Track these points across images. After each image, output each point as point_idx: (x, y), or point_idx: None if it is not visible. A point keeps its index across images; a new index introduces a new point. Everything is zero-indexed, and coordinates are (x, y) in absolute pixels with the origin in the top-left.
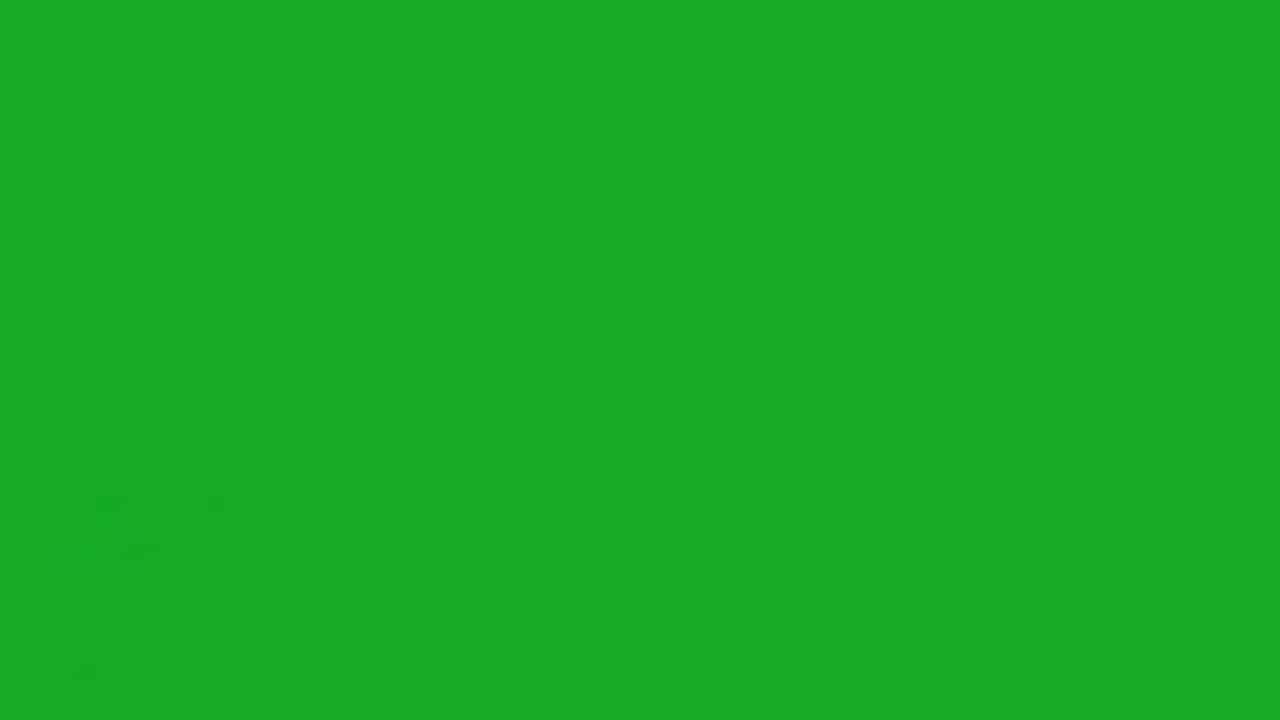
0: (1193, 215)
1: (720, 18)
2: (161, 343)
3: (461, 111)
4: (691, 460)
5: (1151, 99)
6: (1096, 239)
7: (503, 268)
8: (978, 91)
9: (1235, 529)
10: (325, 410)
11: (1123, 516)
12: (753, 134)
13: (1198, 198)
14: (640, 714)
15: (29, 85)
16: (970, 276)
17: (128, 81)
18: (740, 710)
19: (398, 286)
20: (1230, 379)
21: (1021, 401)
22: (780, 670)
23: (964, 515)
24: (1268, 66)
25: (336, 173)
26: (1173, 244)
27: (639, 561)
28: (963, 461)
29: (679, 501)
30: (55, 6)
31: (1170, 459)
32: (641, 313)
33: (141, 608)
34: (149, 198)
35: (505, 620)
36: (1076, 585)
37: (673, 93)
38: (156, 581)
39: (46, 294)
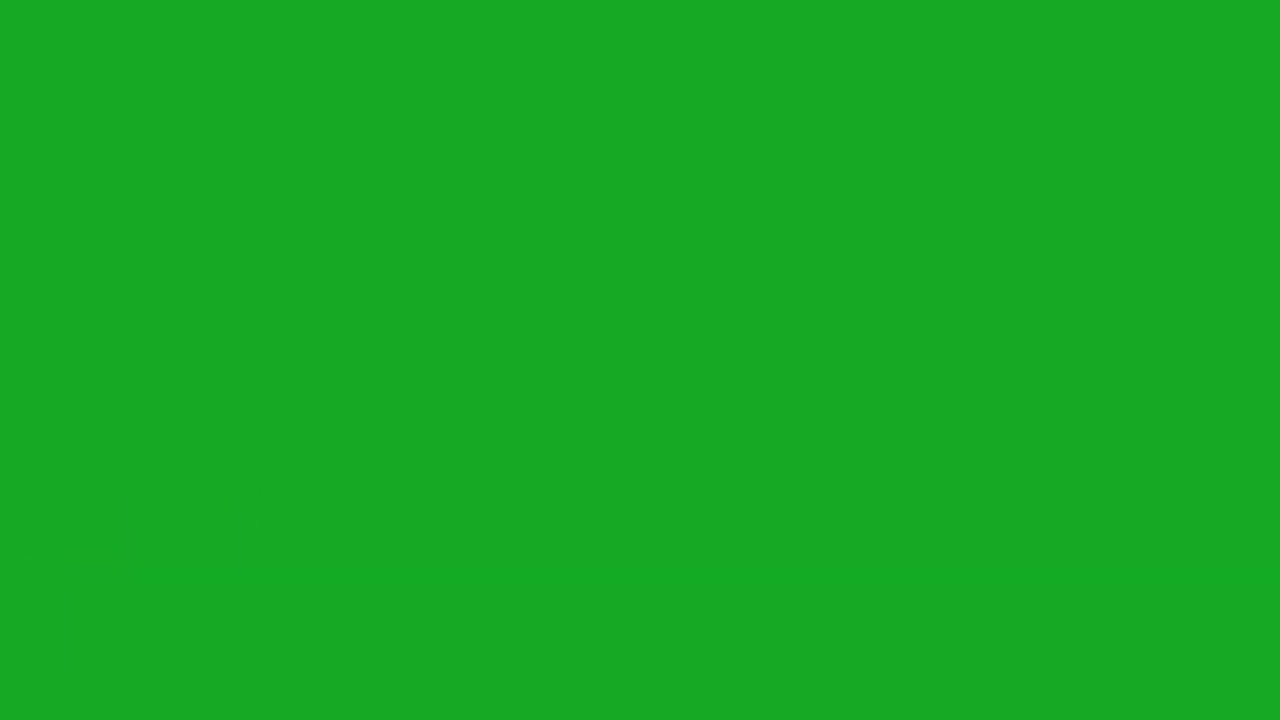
0: (1193, 215)
1: (720, 18)
2: (163, 345)
3: (461, 111)
4: (693, 461)
5: (1151, 99)
6: (1097, 240)
7: (503, 269)
8: (978, 92)
9: (1235, 529)
10: (329, 412)
11: (1122, 516)
12: (753, 134)
13: (1198, 198)
14: (638, 715)
15: (29, 85)
16: (970, 277)
17: (128, 81)
18: (740, 708)
19: (400, 288)
20: (1231, 379)
21: (1021, 401)
22: (781, 671)
23: (964, 516)
24: (1268, 66)
25: (336, 173)
26: (1173, 245)
27: (640, 562)
28: (963, 462)
29: (680, 501)
30: (55, 6)
31: (1171, 460)
32: (642, 313)
33: (146, 612)
34: (149, 202)
35: (508, 621)
36: (1077, 585)
37: (673, 93)
38: (160, 586)
39: (49, 296)
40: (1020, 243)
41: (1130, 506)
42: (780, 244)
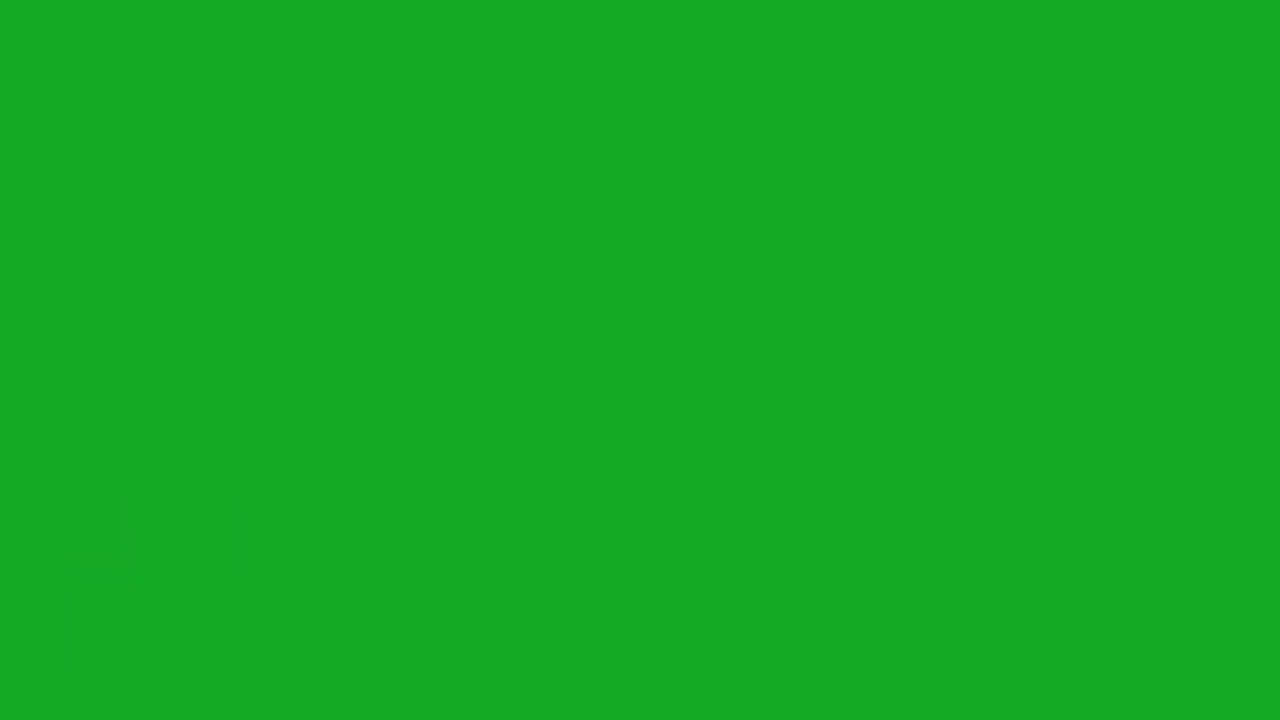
0: (1193, 216)
1: (720, 18)
2: (163, 345)
3: (461, 111)
4: (693, 460)
5: (1151, 99)
6: (1097, 240)
7: (503, 269)
8: (978, 91)
9: (1235, 529)
10: (329, 412)
11: (1123, 516)
12: (753, 134)
13: (1198, 198)
14: (640, 715)
15: (29, 85)
16: (971, 276)
17: (128, 82)
18: (740, 708)
19: (400, 288)
20: (1231, 379)
21: (1022, 401)
22: (781, 671)
23: (964, 516)
24: (1268, 66)
25: (336, 173)
26: (1173, 245)
27: (640, 562)
28: (963, 462)
29: (680, 501)
30: (55, 6)
31: (1171, 460)
32: (642, 313)
33: (146, 612)
34: (149, 202)
35: (508, 621)
36: (1077, 585)
37: (673, 93)
38: (160, 586)
39: (50, 298)
40: (1020, 243)
41: (1130, 506)
42: (780, 244)
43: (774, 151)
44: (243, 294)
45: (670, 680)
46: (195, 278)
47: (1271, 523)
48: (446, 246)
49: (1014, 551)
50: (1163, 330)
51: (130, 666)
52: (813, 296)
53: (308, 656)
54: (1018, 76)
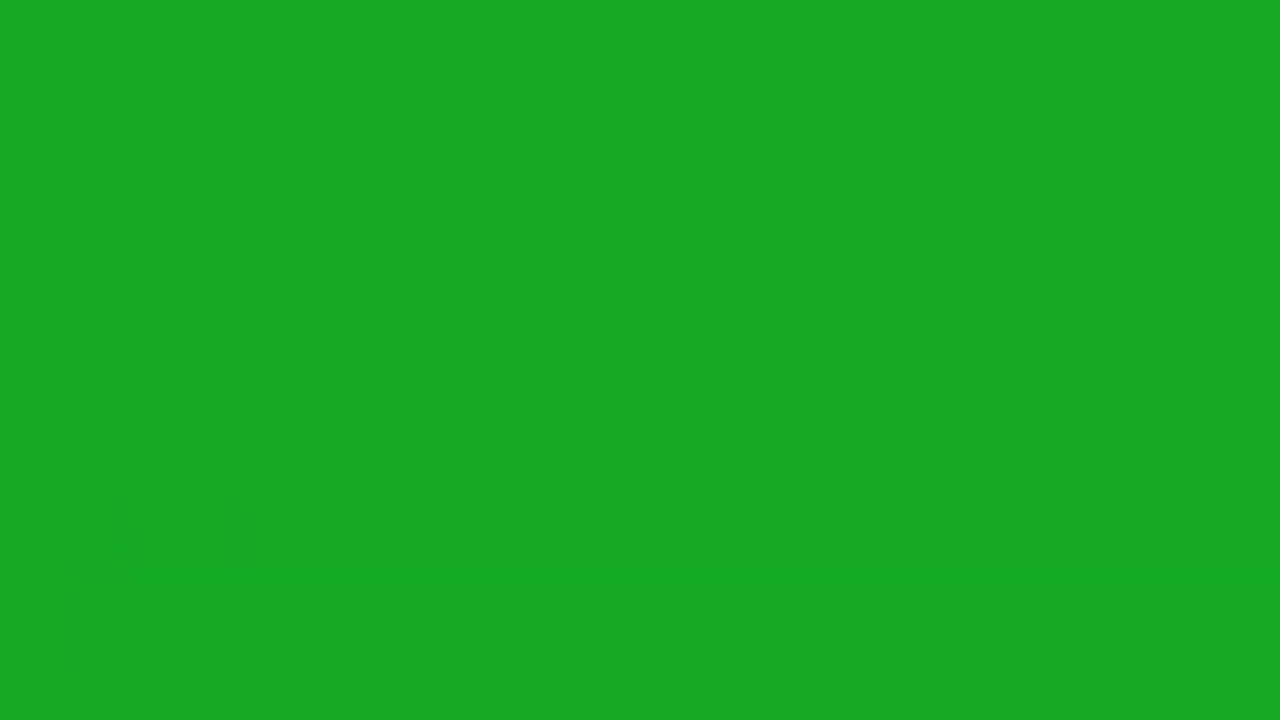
0: (1193, 216)
1: (720, 18)
2: (163, 345)
3: (461, 111)
4: (693, 460)
5: (1151, 99)
6: (1097, 240)
7: (503, 269)
8: (978, 91)
9: (1235, 529)
10: (329, 412)
11: (1123, 516)
12: (753, 134)
13: (1198, 198)
14: (638, 715)
15: (29, 85)
16: (971, 277)
17: (128, 82)
18: (740, 708)
19: (400, 288)
20: (1231, 379)
21: (1022, 402)
22: (781, 671)
23: (964, 516)
24: (1268, 66)
25: (336, 173)
26: (1173, 245)
27: (640, 562)
28: (963, 462)
29: (680, 501)
30: (55, 6)
31: (1171, 460)
32: (642, 313)
33: (146, 612)
34: (149, 202)
35: (508, 621)
36: (1077, 585)
37: (673, 93)
38: (160, 586)
39: (50, 298)
40: (1020, 243)
41: (1130, 506)
42: (780, 244)
43: (774, 151)
44: (243, 294)
45: (670, 680)
46: (195, 278)
47: (1271, 523)
48: (447, 246)
49: (1014, 551)
50: (1163, 331)
51: (130, 666)
52: (812, 297)
53: (308, 656)
54: (1018, 77)
